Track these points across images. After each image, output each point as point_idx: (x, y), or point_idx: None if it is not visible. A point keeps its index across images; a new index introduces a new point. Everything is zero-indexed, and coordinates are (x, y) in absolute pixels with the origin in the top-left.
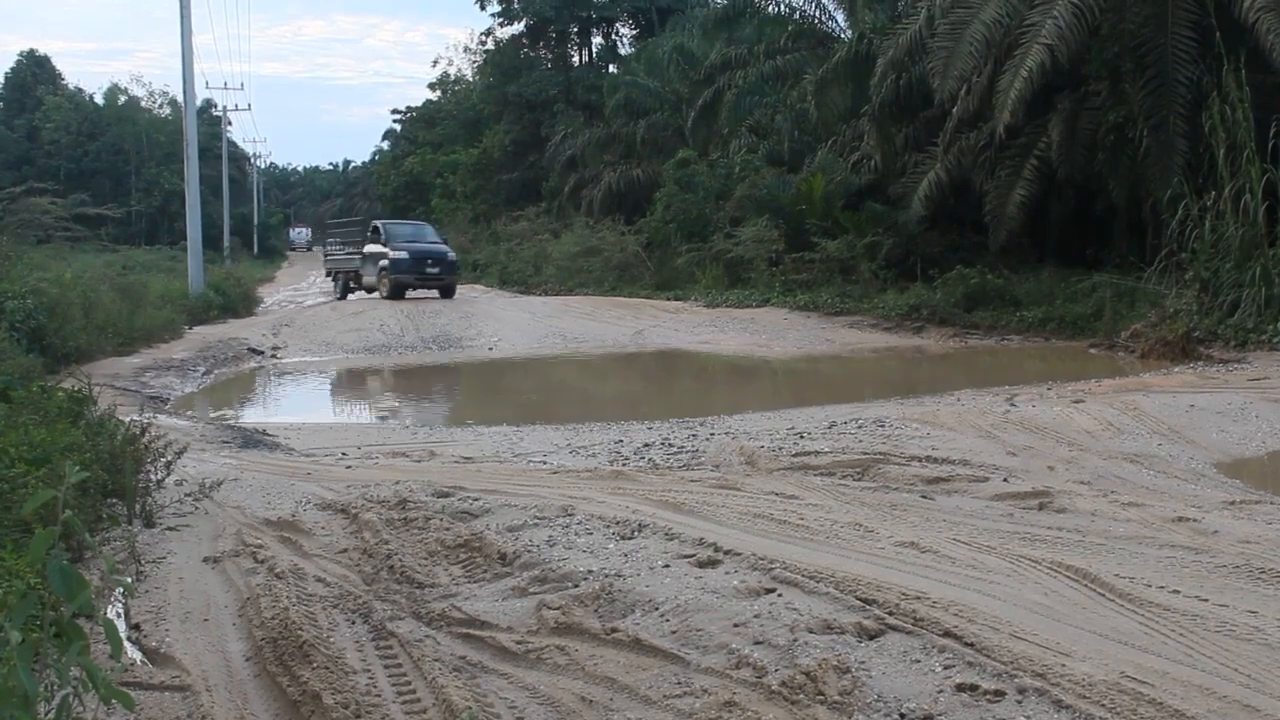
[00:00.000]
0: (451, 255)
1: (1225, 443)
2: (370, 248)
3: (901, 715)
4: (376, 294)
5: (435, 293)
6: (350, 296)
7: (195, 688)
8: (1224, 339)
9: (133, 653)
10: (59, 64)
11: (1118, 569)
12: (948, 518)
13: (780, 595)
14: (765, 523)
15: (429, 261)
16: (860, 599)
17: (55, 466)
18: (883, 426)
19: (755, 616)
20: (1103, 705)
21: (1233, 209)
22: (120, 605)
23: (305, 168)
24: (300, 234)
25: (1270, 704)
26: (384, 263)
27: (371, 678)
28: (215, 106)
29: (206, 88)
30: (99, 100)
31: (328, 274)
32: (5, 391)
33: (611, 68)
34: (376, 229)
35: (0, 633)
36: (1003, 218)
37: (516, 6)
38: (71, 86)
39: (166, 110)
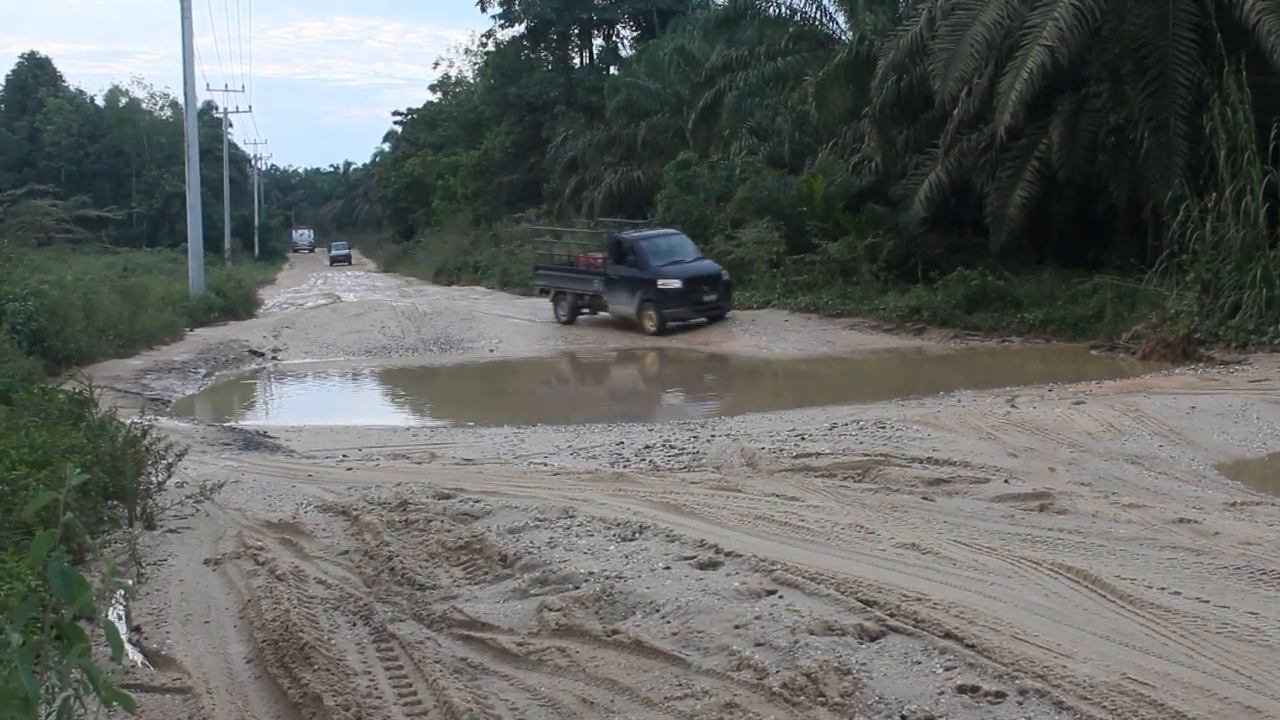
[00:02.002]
0: (724, 273)
1: (1226, 444)
2: (619, 269)
3: (903, 717)
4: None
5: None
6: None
7: (196, 690)
8: (1225, 340)
9: (134, 655)
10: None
11: (1119, 570)
12: (949, 519)
13: (781, 597)
14: (766, 524)
15: (704, 286)
16: (861, 600)
17: (56, 468)
18: (884, 428)
19: (756, 618)
20: (1104, 706)
21: (1234, 210)
22: (121, 607)
23: (306, 169)
24: (302, 235)
25: (1271, 705)
26: (648, 294)
27: (372, 679)
28: (216, 108)
29: (207, 89)
30: (100, 102)
31: (543, 292)
32: (6, 393)
33: (612, 69)
34: (624, 245)
35: (1, 635)
36: (1003, 219)
37: (517, 8)
38: (72, 88)
39: (167, 112)
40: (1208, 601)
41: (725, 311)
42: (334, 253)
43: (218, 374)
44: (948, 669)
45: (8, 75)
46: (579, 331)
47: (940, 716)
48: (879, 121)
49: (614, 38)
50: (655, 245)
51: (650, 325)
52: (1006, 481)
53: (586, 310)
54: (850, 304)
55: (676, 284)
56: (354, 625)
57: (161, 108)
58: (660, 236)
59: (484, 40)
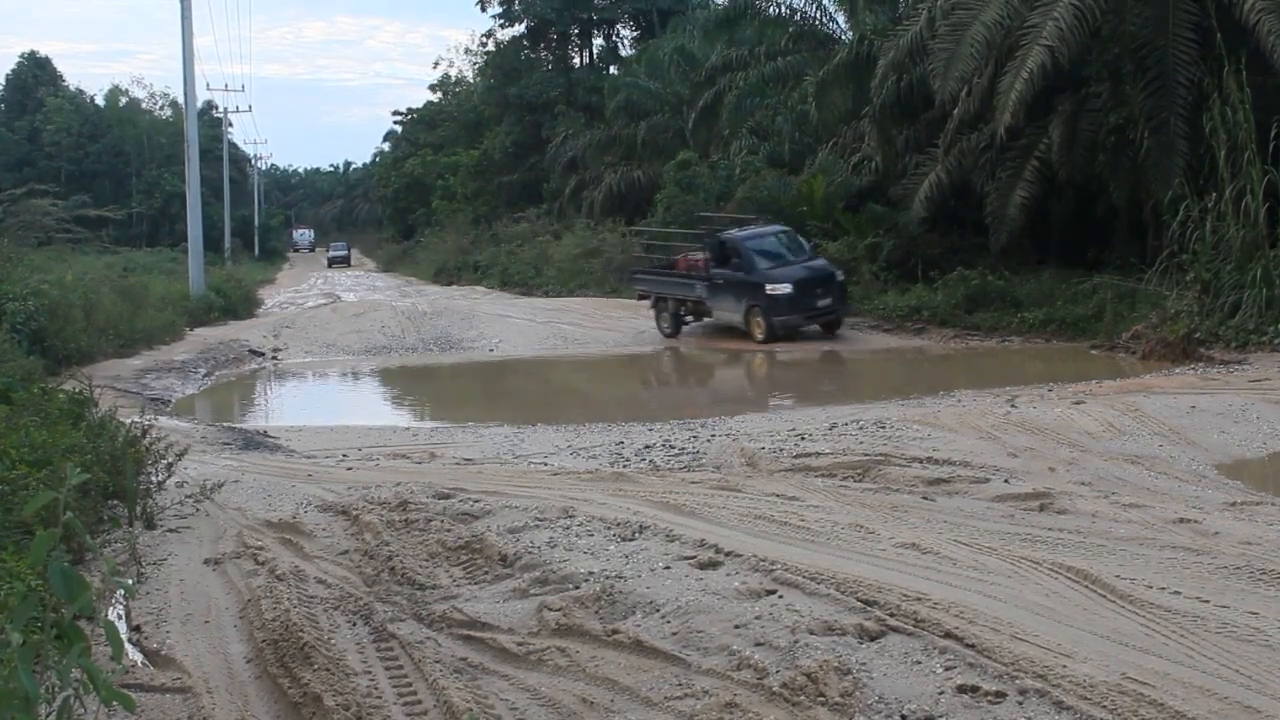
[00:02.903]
0: (838, 273)
1: (1226, 444)
2: (723, 272)
3: (903, 717)
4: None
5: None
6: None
7: (196, 689)
8: (1225, 340)
9: (134, 654)
10: (60, 65)
11: (1119, 570)
12: (949, 519)
13: (781, 597)
14: (766, 524)
15: (818, 290)
16: (861, 600)
17: (56, 468)
18: (884, 428)
19: (756, 618)
20: (1104, 706)
21: (1234, 210)
22: (121, 607)
23: (306, 169)
24: (303, 235)
25: (1271, 705)
26: (755, 299)
27: (373, 679)
28: (216, 108)
29: (207, 89)
30: (100, 102)
31: (642, 298)
32: (6, 393)
33: (612, 69)
34: (727, 246)
35: (1, 634)
36: (1003, 219)
37: (517, 8)
38: (72, 88)
39: (167, 112)
40: (1208, 601)
41: (841, 316)
42: (332, 254)
43: (218, 374)
44: (948, 669)
45: (8, 75)
46: (581, 333)
47: (940, 716)
48: (879, 121)
49: (614, 37)
50: (762, 245)
51: (759, 333)
52: (1006, 481)
53: (690, 319)
54: (850, 304)
55: (786, 289)
56: (354, 625)
57: (161, 107)
58: (767, 235)
59: (484, 40)
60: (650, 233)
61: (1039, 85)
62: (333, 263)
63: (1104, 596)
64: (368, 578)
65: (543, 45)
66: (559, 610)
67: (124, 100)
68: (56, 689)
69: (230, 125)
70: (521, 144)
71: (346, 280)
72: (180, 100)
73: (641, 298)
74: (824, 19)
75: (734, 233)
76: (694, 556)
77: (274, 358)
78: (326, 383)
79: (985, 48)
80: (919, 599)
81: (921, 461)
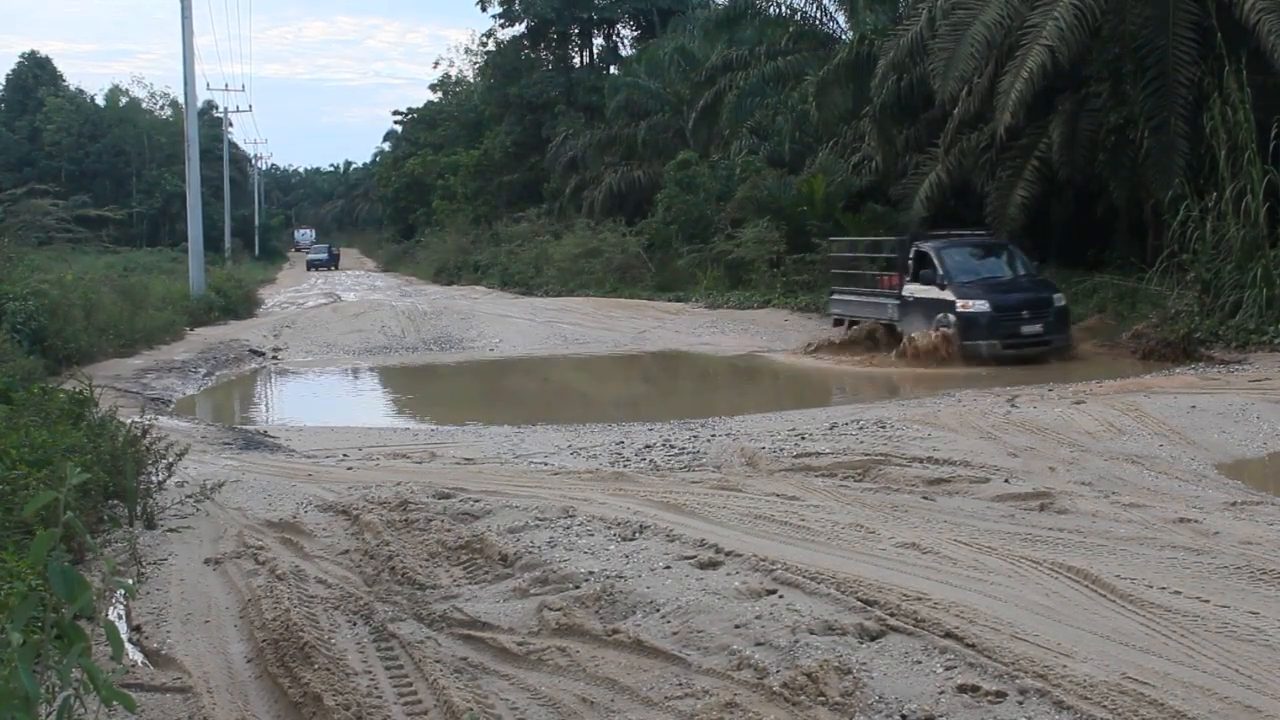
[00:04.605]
0: (1058, 297)
1: (1226, 444)
2: (915, 289)
3: (903, 716)
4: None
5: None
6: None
7: (196, 689)
8: (1225, 340)
9: (134, 654)
10: (60, 65)
11: (1119, 570)
12: (949, 519)
13: (781, 596)
14: (766, 524)
15: (1024, 313)
16: (861, 600)
17: (56, 468)
18: (884, 428)
19: (756, 618)
20: (1104, 706)
21: (1234, 210)
22: (121, 607)
23: (306, 169)
24: (305, 235)
25: (1271, 705)
26: (948, 316)
27: (373, 679)
28: (216, 108)
29: (207, 89)
30: (100, 102)
31: (837, 323)
32: (6, 393)
33: (612, 69)
34: (925, 257)
35: (2, 634)
36: (1004, 219)
37: (517, 8)
38: (73, 88)
39: (168, 112)
40: (1208, 601)
41: (1057, 348)
42: (311, 256)
43: (218, 373)
44: (948, 668)
45: (8, 75)
46: (581, 333)
47: (940, 716)
48: (879, 121)
49: (614, 37)
50: (964, 256)
51: (947, 353)
52: (1007, 481)
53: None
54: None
55: (983, 307)
56: (354, 625)
57: (162, 107)
58: (971, 245)
59: (484, 40)
60: (844, 242)
61: (1039, 85)
62: (313, 266)
63: (1104, 596)
64: (368, 577)
65: (543, 45)
66: (559, 610)
67: (124, 100)
68: (57, 689)
69: (230, 125)
70: (522, 144)
71: (346, 280)
72: (180, 100)
73: (836, 323)
74: (824, 19)
75: (932, 241)
76: (694, 556)
77: (274, 357)
78: (327, 382)
79: (985, 47)
80: (919, 599)
81: (922, 461)
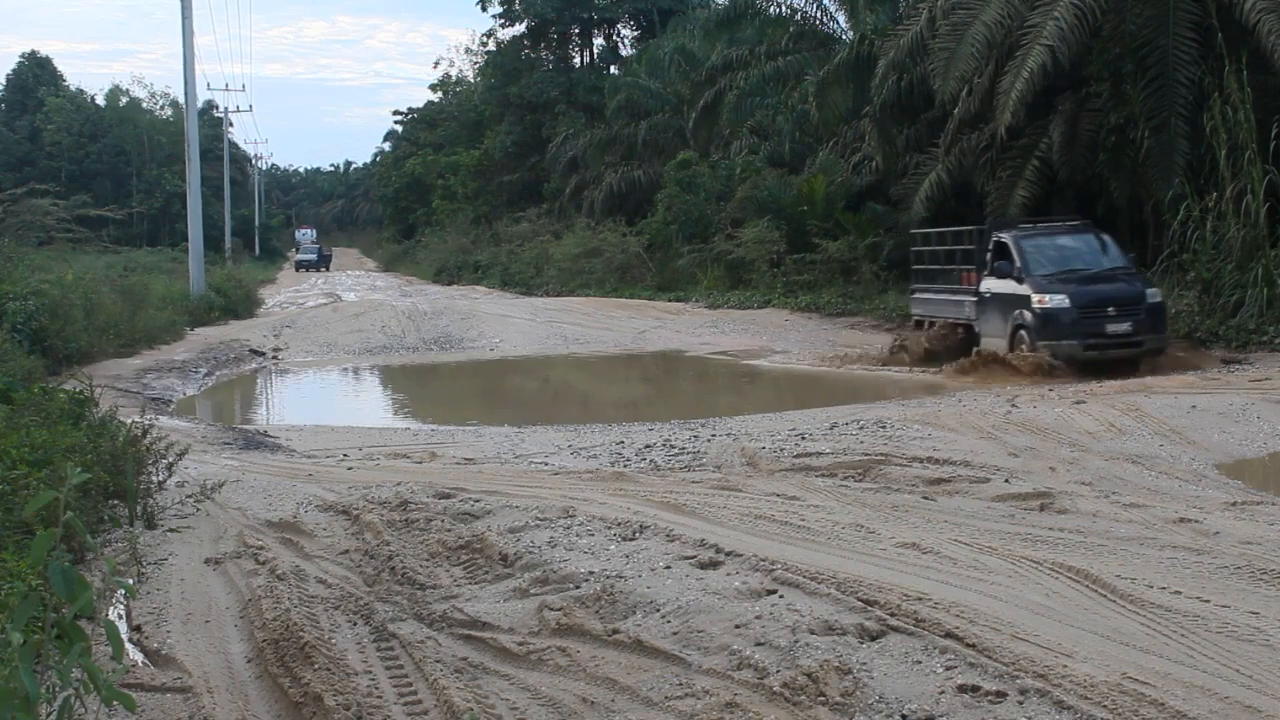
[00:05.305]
0: (1152, 292)
1: (1227, 444)
2: (992, 284)
3: (903, 716)
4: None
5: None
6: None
7: (197, 689)
8: (1226, 340)
9: (134, 654)
10: (60, 65)
11: (1119, 570)
12: (949, 519)
13: (782, 596)
14: (766, 524)
15: (1111, 310)
16: (862, 600)
17: (57, 468)
18: (884, 428)
19: (757, 618)
20: (1104, 706)
21: (1234, 210)
22: (122, 607)
23: (306, 169)
24: (306, 235)
25: (1271, 704)
26: (1024, 314)
27: (373, 679)
28: (217, 108)
29: (208, 89)
30: (100, 101)
31: (918, 325)
32: (7, 393)
33: (613, 69)
34: (1004, 247)
35: (2, 634)
36: (1004, 219)
37: (518, 8)
38: (73, 88)
39: (168, 111)
40: (1208, 601)
41: (1149, 349)
42: (300, 256)
43: (218, 373)
44: (948, 668)
45: (8, 75)
46: (581, 333)
47: (941, 716)
48: (879, 121)
49: (614, 37)
50: (1047, 246)
51: (1024, 365)
52: (1007, 481)
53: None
54: (851, 304)
55: (1062, 302)
56: (354, 625)
57: (162, 107)
58: (1056, 233)
59: (484, 40)
60: (929, 234)
61: (1039, 85)
62: (302, 267)
63: (1104, 596)
64: (368, 577)
65: (543, 45)
66: (559, 610)
67: (124, 100)
68: (57, 689)
69: (231, 125)
70: (522, 144)
71: (347, 280)
72: (181, 100)
73: (917, 325)
74: (824, 19)
75: (1010, 232)
76: (694, 556)
77: (274, 357)
78: (327, 382)
79: (985, 47)
80: (919, 599)
81: (922, 461)
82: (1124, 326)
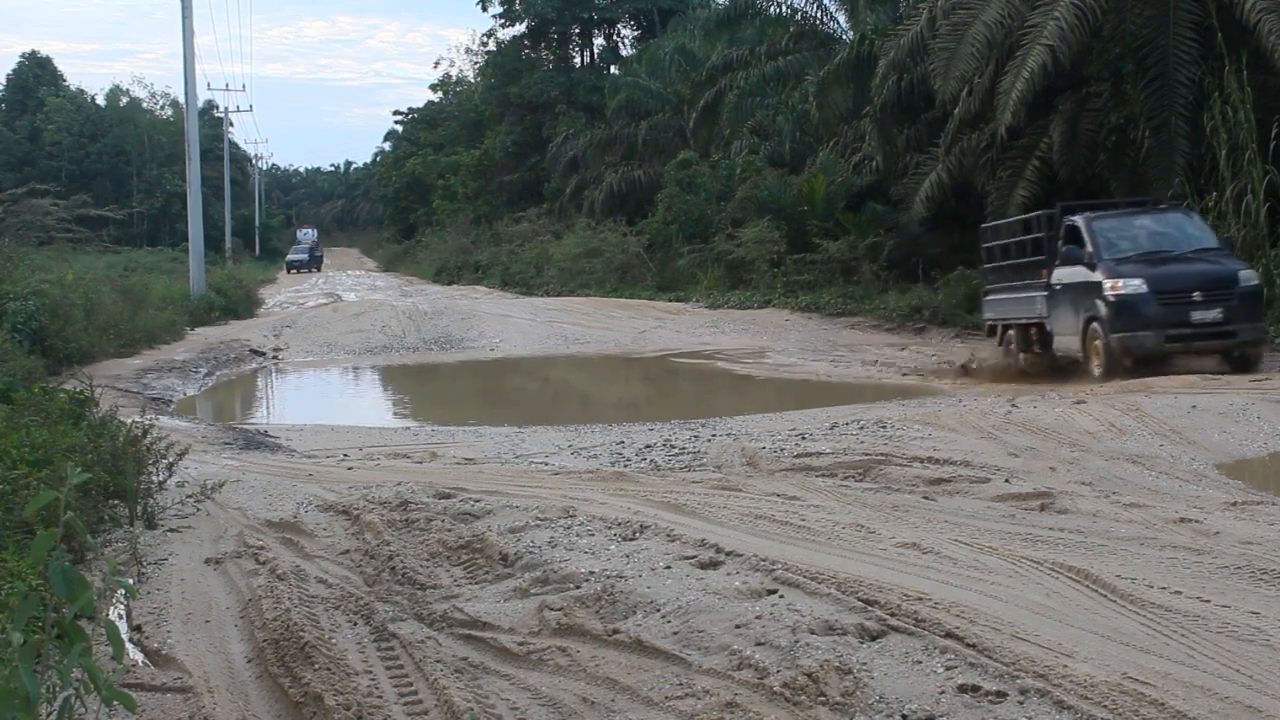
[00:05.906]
0: (1247, 276)
1: (1227, 444)
2: (1063, 273)
3: (904, 716)
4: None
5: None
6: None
7: (197, 689)
8: None
9: (134, 654)
10: (60, 65)
11: (1119, 570)
12: (949, 519)
13: (782, 596)
14: (767, 524)
15: (1197, 297)
16: (862, 600)
17: (57, 468)
18: (884, 428)
19: (757, 618)
20: (1105, 706)
21: (1234, 210)
22: (122, 607)
23: (307, 169)
24: (306, 235)
25: (1272, 705)
26: (1096, 304)
27: (373, 679)
28: (217, 108)
29: (208, 89)
30: (101, 101)
31: (991, 332)
32: (7, 393)
33: (613, 69)
34: (1076, 232)
35: (2, 634)
36: (1004, 218)
37: (518, 8)
38: (73, 87)
39: (168, 111)
40: (1209, 601)
41: (1244, 340)
42: (292, 256)
43: (219, 373)
44: (948, 668)
45: (8, 74)
46: (581, 333)
47: (941, 716)
48: (880, 121)
49: (615, 37)
50: (1119, 226)
51: (1096, 366)
52: (1007, 481)
53: (1038, 348)
54: (851, 304)
55: (1138, 288)
56: (355, 624)
57: (162, 107)
58: (1136, 214)
59: (485, 40)
60: (998, 226)
61: (1039, 85)
62: (293, 268)
63: (1105, 596)
64: (368, 577)
65: (543, 45)
66: (560, 610)
67: (125, 100)
68: (57, 689)
69: (231, 125)
70: (522, 144)
71: (347, 280)
72: (181, 100)
73: (990, 332)
74: (825, 18)
75: (1084, 215)
76: (695, 556)
77: (275, 357)
78: (327, 382)
79: (986, 47)
80: (920, 599)
81: (922, 461)
82: (1213, 314)
